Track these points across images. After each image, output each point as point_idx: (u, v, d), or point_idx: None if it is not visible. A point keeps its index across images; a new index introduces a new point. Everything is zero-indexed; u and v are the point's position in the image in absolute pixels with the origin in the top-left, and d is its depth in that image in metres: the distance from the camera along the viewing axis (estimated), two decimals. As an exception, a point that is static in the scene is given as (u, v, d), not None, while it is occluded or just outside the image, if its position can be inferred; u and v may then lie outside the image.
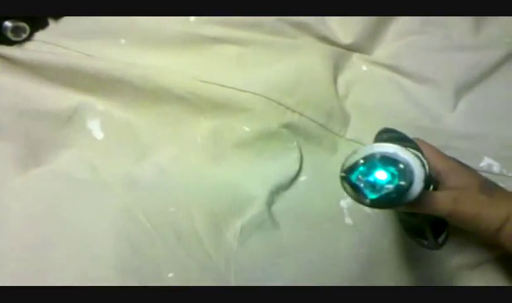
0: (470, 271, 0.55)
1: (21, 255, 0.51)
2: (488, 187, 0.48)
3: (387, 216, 0.59)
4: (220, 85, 0.61)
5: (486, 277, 0.55)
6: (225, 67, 0.66)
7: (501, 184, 0.59)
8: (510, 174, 0.60)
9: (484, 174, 0.60)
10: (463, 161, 0.56)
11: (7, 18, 0.62)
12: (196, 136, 0.62)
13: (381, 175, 0.38)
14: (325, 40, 0.70)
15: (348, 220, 0.59)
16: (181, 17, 0.68)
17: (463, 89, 0.68)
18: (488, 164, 0.62)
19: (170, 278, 0.52)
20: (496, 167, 0.62)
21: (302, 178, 0.61)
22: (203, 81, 0.61)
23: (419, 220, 0.49)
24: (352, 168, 0.39)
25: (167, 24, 0.67)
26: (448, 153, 0.61)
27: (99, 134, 0.62)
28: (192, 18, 0.69)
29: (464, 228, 0.46)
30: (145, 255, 0.53)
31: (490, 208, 0.44)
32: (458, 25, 0.72)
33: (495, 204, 0.45)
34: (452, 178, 0.48)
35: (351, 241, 0.57)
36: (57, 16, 0.67)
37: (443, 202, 0.43)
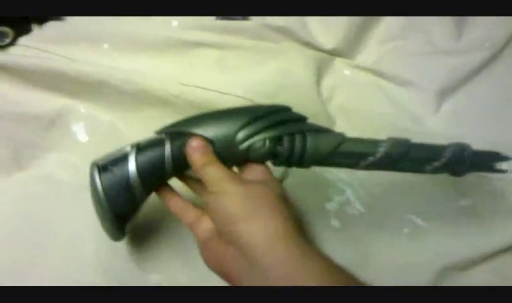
0: (460, 271, 0.55)
1: (1, 254, 0.52)
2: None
3: (373, 217, 0.59)
4: (203, 88, 0.61)
5: (476, 279, 0.55)
6: (208, 71, 0.66)
7: (486, 187, 0.60)
8: (490, 176, 0.60)
9: (471, 176, 0.61)
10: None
11: (-9, 23, 0.62)
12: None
13: None
14: (308, 44, 0.71)
15: (334, 222, 0.59)
16: (163, 21, 0.69)
17: (445, 92, 0.69)
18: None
19: (154, 279, 0.52)
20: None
21: (288, 180, 0.61)
22: (186, 85, 0.61)
23: None
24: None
25: (150, 28, 0.68)
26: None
27: (83, 137, 0.62)
28: (175, 23, 0.69)
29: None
30: (127, 257, 0.53)
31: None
32: (440, 30, 0.73)
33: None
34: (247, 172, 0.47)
35: (338, 243, 0.57)
36: (40, 20, 0.67)
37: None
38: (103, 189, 0.43)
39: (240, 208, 0.40)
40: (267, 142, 0.45)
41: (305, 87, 0.66)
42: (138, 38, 0.66)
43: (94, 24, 0.67)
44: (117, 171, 0.44)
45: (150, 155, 0.44)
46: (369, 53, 0.74)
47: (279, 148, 0.46)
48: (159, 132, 0.47)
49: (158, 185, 0.47)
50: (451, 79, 0.69)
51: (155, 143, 0.45)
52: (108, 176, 0.44)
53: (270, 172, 0.47)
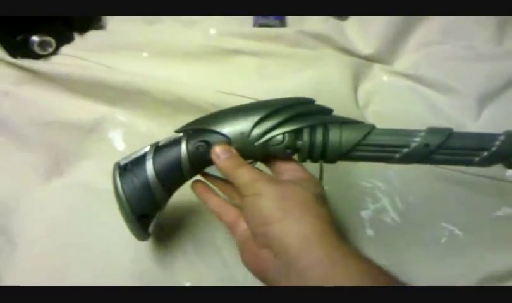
0: (498, 283, 0.54)
1: (38, 262, 0.52)
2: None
3: (409, 226, 0.58)
4: (240, 96, 0.61)
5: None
6: (246, 79, 0.66)
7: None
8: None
9: (510, 185, 0.59)
10: (488, 171, 0.56)
11: (35, 33, 0.64)
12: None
13: None
14: (345, 51, 0.71)
15: (369, 231, 0.58)
16: (201, 30, 0.70)
17: (486, 98, 0.67)
18: (515, 174, 0.61)
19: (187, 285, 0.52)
20: (523, 176, 0.60)
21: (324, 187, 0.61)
22: (224, 92, 0.62)
23: None
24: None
25: (188, 37, 0.68)
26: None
27: (121, 145, 0.63)
28: (213, 31, 0.70)
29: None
30: (163, 264, 0.53)
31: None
32: (480, 35, 0.71)
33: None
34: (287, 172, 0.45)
35: (372, 252, 0.56)
36: (82, 29, 0.69)
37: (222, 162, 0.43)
38: (123, 189, 0.44)
39: (275, 209, 0.39)
40: (286, 136, 0.43)
41: (342, 93, 0.66)
42: (176, 46, 0.67)
43: (134, 34, 0.69)
44: (136, 170, 0.44)
45: (166, 155, 0.45)
46: (407, 58, 0.73)
47: (298, 142, 0.44)
48: (178, 131, 0.47)
49: (178, 185, 0.47)
50: (491, 85, 0.68)
51: (172, 142, 0.45)
52: (128, 175, 0.44)
53: (306, 171, 0.45)
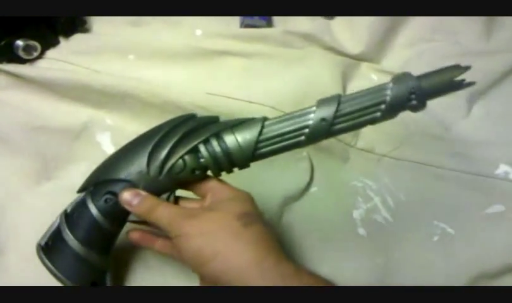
0: (491, 280, 0.54)
1: (28, 268, 0.51)
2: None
3: (401, 225, 0.58)
4: (228, 97, 0.61)
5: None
6: (233, 80, 0.66)
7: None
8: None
9: (500, 182, 0.60)
10: (479, 169, 0.55)
11: (19, 37, 0.63)
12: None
13: None
14: (333, 50, 0.70)
15: (361, 231, 0.58)
16: (187, 31, 0.69)
17: (475, 95, 0.67)
18: (504, 172, 0.61)
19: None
20: (513, 174, 0.60)
21: (313, 189, 0.61)
22: (211, 94, 0.61)
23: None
24: None
25: (174, 38, 0.68)
26: (458, 160, 0.60)
27: (109, 148, 0.62)
28: (199, 32, 0.69)
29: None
30: (146, 264, 0.53)
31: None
32: (468, 31, 0.72)
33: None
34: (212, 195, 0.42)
35: (365, 252, 0.56)
36: (67, 33, 0.68)
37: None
38: (57, 269, 0.41)
39: (202, 249, 0.37)
40: (186, 159, 0.41)
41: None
42: (162, 48, 0.67)
43: (119, 36, 0.68)
44: (60, 245, 0.42)
45: (80, 221, 0.42)
46: (395, 56, 0.73)
47: (201, 160, 0.42)
48: (79, 191, 0.44)
49: (110, 241, 0.45)
50: (480, 82, 0.67)
51: (79, 206, 0.43)
52: (54, 253, 0.42)
53: (227, 188, 0.43)
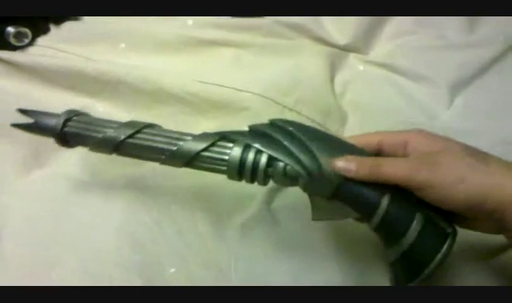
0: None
1: (24, 254, 0.52)
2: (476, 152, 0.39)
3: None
4: (219, 85, 0.62)
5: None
6: (224, 69, 0.67)
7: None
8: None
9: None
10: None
11: (10, 24, 0.64)
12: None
13: None
14: (322, 41, 0.72)
15: (348, 217, 0.59)
16: (179, 20, 0.70)
17: (458, 86, 0.69)
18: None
19: (172, 274, 0.52)
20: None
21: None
22: (202, 82, 0.62)
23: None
24: None
25: (166, 27, 0.69)
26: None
27: (101, 136, 0.63)
28: (190, 21, 0.70)
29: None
30: (146, 250, 0.53)
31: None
32: (452, 24, 0.73)
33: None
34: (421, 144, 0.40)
35: (352, 238, 0.57)
36: (58, 20, 0.68)
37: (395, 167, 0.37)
38: None
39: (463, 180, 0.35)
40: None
41: (319, 83, 0.67)
42: (154, 37, 0.67)
43: (111, 24, 0.68)
44: None
45: None
46: (382, 48, 0.75)
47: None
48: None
49: None
50: (463, 74, 0.69)
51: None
52: None
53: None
